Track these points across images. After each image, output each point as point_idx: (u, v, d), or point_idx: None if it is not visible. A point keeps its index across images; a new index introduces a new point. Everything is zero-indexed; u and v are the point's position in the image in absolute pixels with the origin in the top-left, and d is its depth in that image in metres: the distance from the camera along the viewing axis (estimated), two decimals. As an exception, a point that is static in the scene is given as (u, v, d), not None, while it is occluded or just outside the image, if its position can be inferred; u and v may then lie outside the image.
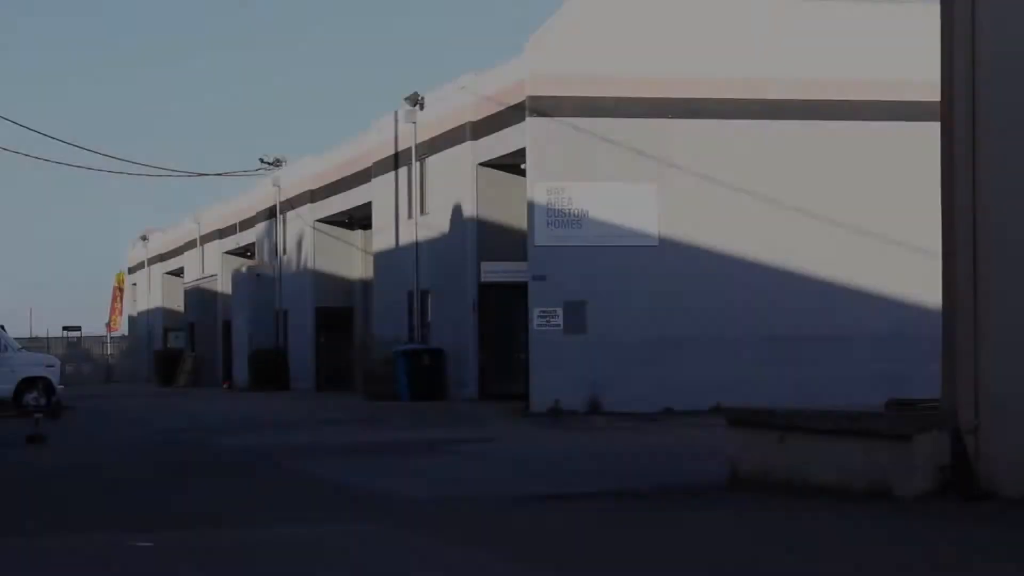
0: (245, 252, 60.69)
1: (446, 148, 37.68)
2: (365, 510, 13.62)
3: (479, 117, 35.87)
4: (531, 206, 31.87)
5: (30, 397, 37.26)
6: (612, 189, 31.97)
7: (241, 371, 54.63)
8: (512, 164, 34.80)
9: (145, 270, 77.81)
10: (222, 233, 63.23)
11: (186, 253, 69.42)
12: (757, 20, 32.98)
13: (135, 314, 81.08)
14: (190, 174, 76.99)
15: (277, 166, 54.67)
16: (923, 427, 13.07)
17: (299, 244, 51.70)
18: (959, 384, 13.11)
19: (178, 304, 70.72)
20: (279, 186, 53.27)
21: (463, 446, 22.66)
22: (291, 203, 52.15)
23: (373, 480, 16.89)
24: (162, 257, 74.63)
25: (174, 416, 32.93)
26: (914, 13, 33.09)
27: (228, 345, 58.77)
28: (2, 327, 40.24)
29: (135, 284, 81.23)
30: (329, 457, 20.76)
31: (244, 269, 55.91)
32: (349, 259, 50.48)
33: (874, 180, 33.09)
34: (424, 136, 39.11)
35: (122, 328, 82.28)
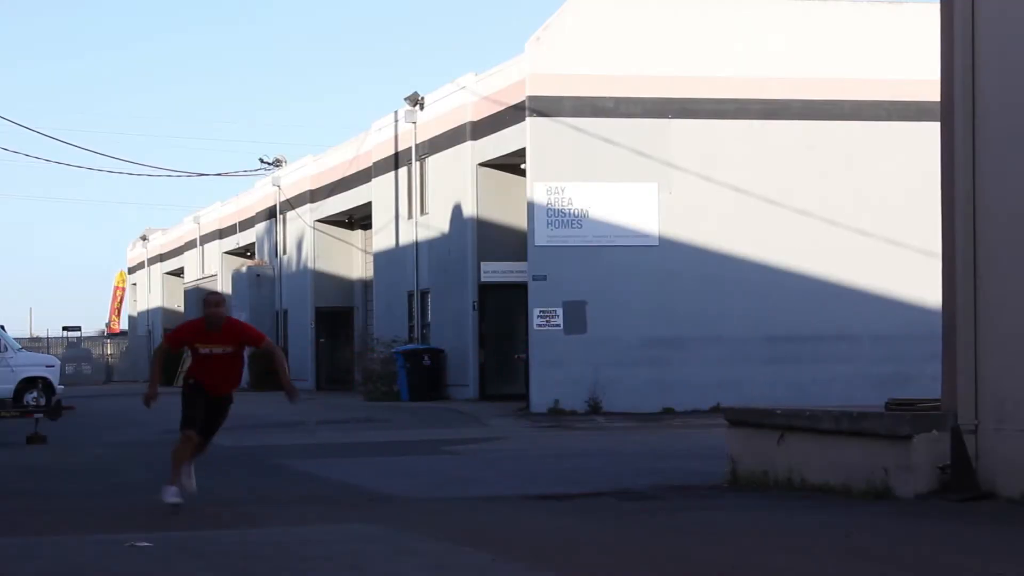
0: (245, 252, 60.71)
1: (446, 148, 37.71)
2: (364, 510, 13.62)
3: (479, 117, 35.89)
4: (531, 206, 31.88)
5: (30, 397, 37.29)
6: (612, 189, 31.99)
7: (241, 371, 54.52)
8: (512, 164, 34.83)
9: (145, 270, 77.83)
10: (222, 233, 63.25)
11: (186, 253, 69.44)
12: (757, 20, 32.98)
13: (135, 314, 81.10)
14: (190, 174, 77.15)
15: (277, 166, 54.71)
16: (923, 427, 13.07)
17: (299, 244, 51.72)
18: (959, 384, 13.11)
19: (178, 304, 70.74)
20: (279, 186, 53.30)
21: (463, 446, 22.67)
22: (291, 203, 52.16)
23: (373, 480, 16.89)
24: (162, 257, 74.66)
25: (174, 416, 32.80)
26: (914, 13, 33.14)
27: (228, 345, 58.66)
28: (2, 327, 40.26)
29: (135, 284, 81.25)
30: (329, 457, 20.76)
31: (244, 269, 55.95)
32: (349, 259, 50.51)
33: (874, 180, 33.11)
34: (424, 136, 39.14)
35: (122, 328, 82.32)
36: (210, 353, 13.51)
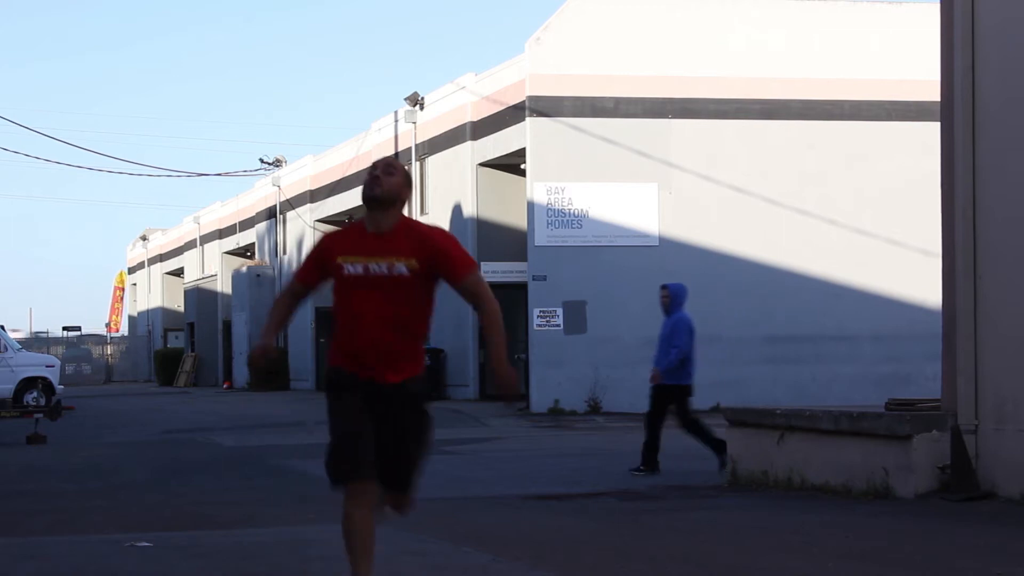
0: (245, 252, 60.72)
1: (446, 148, 37.71)
2: (365, 510, 13.57)
3: (479, 117, 35.88)
4: (531, 206, 31.88)
5: (30, 397, 37.31)
6: (612, 189, 31.99)
7: (241, 371, 54.65)
8: (512, 164, 34.83)
9: (145, 270, 77.85)
10: (222, 233, 63.26)
11: (186, 253, 69.45)
12: (757, 20, 32.99)
13: (135, 314, 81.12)
14: (190, 174, 77.27)
15: (277, 166, 54.73)
16: (923, 427, 13.07)
17: (299, 244, 51.73)
18: (959, 384, 13.11)
19: (178, 304, 70.76)
20: (279, 186, 53.32)
21: (463, 446, 22.66)
22: (291, 203, 52.16)
23: (373, 480, 16.85)
24: (162, 257, 74.67)
25: (174, 416, 32.93)
26: (914, 13, 33.15)
27: (228, 345, 58.80)
28: (2, 327, 40.26)
29: (135, 284, 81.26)
30: (329, 457, 20.69)
31: (244, 269, 55.95)
32: (349, 259, 50.47)
33: (874, 180, 33.12)
34: (424, 136, 39.14)
35: (122, 328, 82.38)
36: (364, 274, 7.22)
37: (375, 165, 7.43)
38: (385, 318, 7.22)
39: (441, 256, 7.31)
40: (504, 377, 7.46)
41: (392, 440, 7.31)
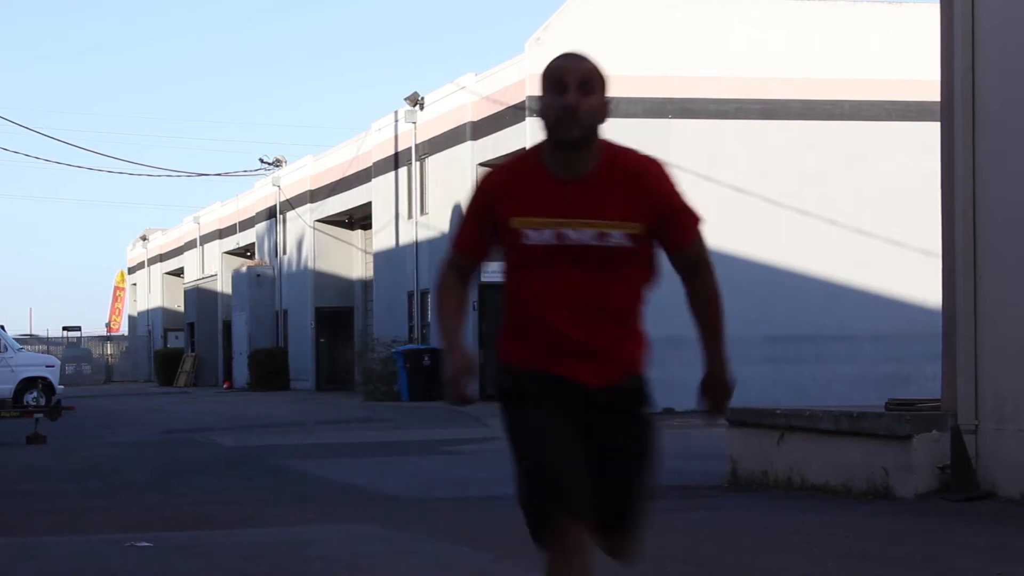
0: (245, 252, 60.74)
1: (446, 148, 37.70)
2: (366, 511, 13.60)
3: (479, 117, 35.88)
4: (531, 206, 31.88)
5: (30, 397, 37.32)
6: (612, 189, 31.97)
7: (241, 371, 54.67)
8: (512, 164, 34.81)
9: (145, 270, 77.87)
10: (222, 233, 63.29)
11: (186, 253, 69.48)
12: (757, 19, 32.99)
13: (135, 314, 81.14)
14: (190, 174, 77.33)
15: (277, 166, 54.76)
16: (923, 427, 13.07)
17: (299, 244, 51.75)
18: (959, 384, 13.10)
19: (178, 304, 70.79)
20: (279, 186, 53.34)
21: (463, 446, 22.67)
22: (291, 203, 52.17)
23: (373, 480, 16.88)
24: (162, 257, 74.70)
25: (174, 416, 32.94)
26: (914, 13, 33.15)
27: (228, 345, 58.84)
28: (2, 327, 40.27)
29: (135, 284, 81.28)
30: (329, 457, 20.75)
31: (244, 269, 55.98)
32: (349, 259, 50.54)
33: (874, 180, 33.12)
34: (424, 136, 39.14)
35: (122, 328, 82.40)
36: (557, 243, 4.99)
37: (559, 80, 5.35)
38: (590, 303, 4.94)
39: (670, 214, 4.99)
40: (725, 384, 5.53)
41: (602, 461, 5.07)
